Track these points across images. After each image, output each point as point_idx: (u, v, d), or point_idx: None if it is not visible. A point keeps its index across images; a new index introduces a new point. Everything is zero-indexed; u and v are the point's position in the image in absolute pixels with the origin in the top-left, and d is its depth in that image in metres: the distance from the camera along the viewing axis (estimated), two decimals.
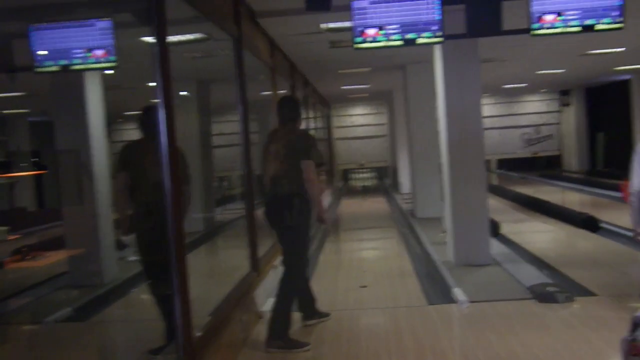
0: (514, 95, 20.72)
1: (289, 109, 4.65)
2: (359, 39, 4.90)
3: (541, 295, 5.13)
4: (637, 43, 9.79)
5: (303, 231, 4.47)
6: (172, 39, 3.38)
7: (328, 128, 19.57)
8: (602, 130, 19.50)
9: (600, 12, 4.71)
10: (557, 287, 5.31)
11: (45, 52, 4.18)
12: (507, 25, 5.15)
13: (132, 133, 4.37)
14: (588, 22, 4.75)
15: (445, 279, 5.96)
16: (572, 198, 13.25)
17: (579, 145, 20.17)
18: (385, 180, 20.27)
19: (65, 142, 6.56)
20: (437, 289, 5.80)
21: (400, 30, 4.85)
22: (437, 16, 4.81)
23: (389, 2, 4.83)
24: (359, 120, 21.50)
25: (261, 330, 4.52)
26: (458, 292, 5.38)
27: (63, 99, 6.52)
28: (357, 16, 4.86)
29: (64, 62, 4.19)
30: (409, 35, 4.86)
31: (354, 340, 4.47)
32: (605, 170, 18.26)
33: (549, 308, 4.93)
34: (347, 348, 4.30)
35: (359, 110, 21.44)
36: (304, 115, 11.54)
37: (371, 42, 4.88)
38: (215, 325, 3.87)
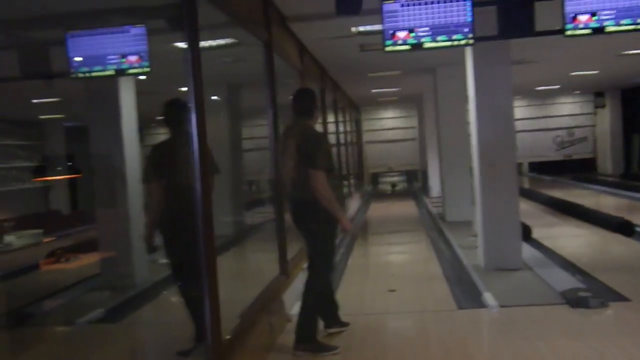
0: (546, 97, 20.40)
1: (302, 102, 4.46)
2: (389, 42, 4.88)
3: (573, 301, 5.03)
4: None
5: (329, 237, 4.39)
6: (203, 44, 3.43)
7: (358, 132, 19.55)
8: (638, 132, 19.07)
9: (636, 12, 4.61)
10: (590, 292, 5.21)
11: (81, 59, 4.27)
12: (540, 25, 5.08)
13: (165, 138, 4.41)
14: (624, 22, 4.66)
15: (475, 283, 5.89)
16: (606, 202, 12.99)
17: (613, 148, 19.74)
18: (414, 183, 20.16)
19: (100, 146, 6.69)
20: (466, 294, 5.73)
21: (431, 33, 4.82)
22: (468, 18, 4.77)
23: (419, 5, 4.81)
24: (388, 124, 21.41)
25: (289, 333, 4.54)
26: (488, 297, 5.31)
27: (98, 104, 6.65)
28: (387, 19, 4.85)
29: (99, 68, 4.27)
30: (440, 38, 4.83)
31: (381, 344, 4.45)
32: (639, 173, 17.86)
33: (581, 313, 4.83)
34: (374, 352, 4.28)
35: (388, 113, 21.36)
36: (333, 118, 11.62)
37: (402, 44, 4.86)
38: (244, 328, 3.90)
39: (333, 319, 4.69)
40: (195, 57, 3.23)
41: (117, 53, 4.22)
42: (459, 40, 4.84)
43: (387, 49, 4.87)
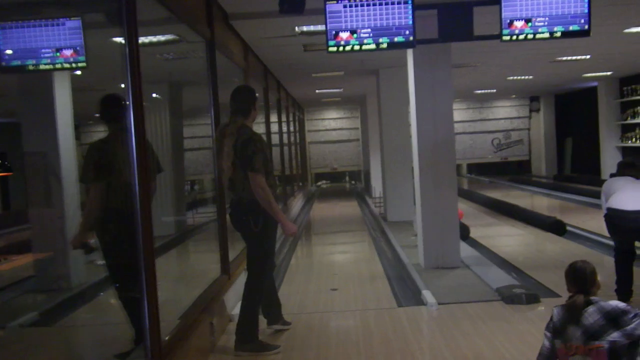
0: (484, 100, 20.98)
1: (239, 100, 4.34)
2: (332, 43, 4.92)
3: (508, 297, 5.23)
4: (601, 51, 10.01)
5: (268, 237, 4.35)
6: (143, 39, 3.35)
7: (301, 132, 19.58)
8: (570, 135, 19.89)
9: (569, 20, 4.81)
10: (524, 288, 5.41)
11: (13, 51, 4.10)
12: (478, 30, 5.22)
13: (102, 135, 4.26)
14: (556, 29, 4.86)
15: (415, 281, 6.01)
16: (540, 202, 13.48)
17: (547, 151, 20.53)
18: (357, 184, 20.36)
19: (33, 143, 6.43)
20: (407, 292, 5.84)
21: (372, 34, 4.89)
22: (409, 20, 4.86)
23: (362, 6, 4.86)
24: (331, 125, 21.55)
25: (231, 334, 4.50)
26: (427, 295, 5.42)
27: (31, 100, 6.39)
28: (330, 19, 4.88)
29: (31, 61, 4.11)
30: (382, 39, 4.90)
31: (324, 342, 4.48)
32: (572, 175, 18.63)
33: (515, 309, 5.03)
34: (317, 350, 4.30)
35: (332, 114, 21.49)
36: (276, 118, 11.59)
37: (344, 45, 4.90)
38: (184, 329, 3.84)
39: (276, 317, 4.69)
40: (133, 52, 3.15)
41: (51, 46, 4.07)
42: (401, 42, 4.92)
43: (330, 49, 4.90)
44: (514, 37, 4.92)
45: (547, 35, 4.88)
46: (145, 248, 3.12)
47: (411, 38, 4.92)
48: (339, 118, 21.53)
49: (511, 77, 13.90)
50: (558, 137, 20.40)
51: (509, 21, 4.89)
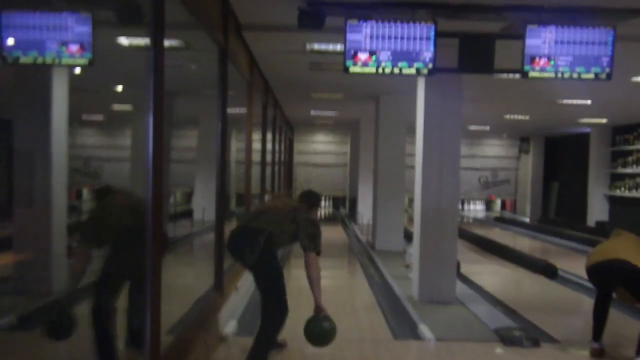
0: (475, 137, 21.06)
1: None
2: (349, 62, 4.78)
3: (508, 339, 5.09)
4: (603, 97, 10.04)
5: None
6: (139, 42, 3.18)
7: (290, 153, 19.43)
8: (557, 179, 19.98)
9: (591, 61, 4.74)
10: (523, 331, 5.27)
11: (15, 41, 3.91)
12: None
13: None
14: (578, 69, 4.78)
15: (409, 314, 5.84)
16: (523, 243, 13.42)
17: (533, 193, 20.59)
18: (341, 209, 20.20)
19: (25, 142, 6.19)
20: (401, 324, 5.67)
21: (392, 58, 4.76)
22: (431, 46, 4.75)
23: (383, 27, 4.73)
24: (320, 148, 21.43)
25: (220, 352, 4.27)
26: (424, 329, 5.25)
27: (26, 95, 6.16)
28: (350, 39, 4.74)
29: (34, 53, 3.92)
30: (401, 64, 4.78)
31: None
32: (555, 218, 18.67)
33: (515, 352, 4.89)
34: None
35: (321, 137, 21.39)
36: (270, 136, 11.36)
37: (362, 66, 4.77)
38: (178, 347, 3.62)
39: None
40: (158, 55, 2.97)
41: (58, 40, 3.89)
42: (420, 68, 4.81)
43: (351, 69, 4.74)
44: (535, 74, 4.83)
45: (568, 75, 4.81)
46: (154, 260, 2.93)
47: (431, 65, 4.81)
48: (328, 142, 21.44)
49: (508, 116, 13.91)
50: (545, 180, 20.50)
51: (530, 57, 4.80)
